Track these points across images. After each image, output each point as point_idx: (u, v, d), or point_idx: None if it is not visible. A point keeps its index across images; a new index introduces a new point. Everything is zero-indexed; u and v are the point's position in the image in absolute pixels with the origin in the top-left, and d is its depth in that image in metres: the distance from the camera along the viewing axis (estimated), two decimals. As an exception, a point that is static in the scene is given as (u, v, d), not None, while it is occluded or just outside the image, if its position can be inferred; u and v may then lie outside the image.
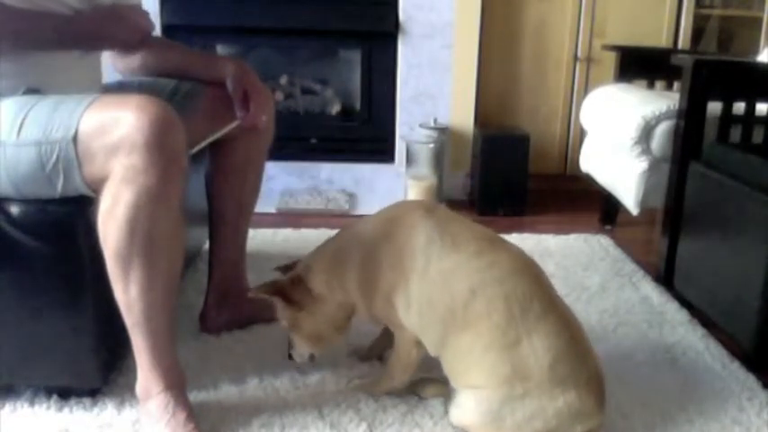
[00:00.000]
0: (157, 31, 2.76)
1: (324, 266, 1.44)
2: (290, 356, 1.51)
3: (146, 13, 1.51)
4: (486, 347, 1.26)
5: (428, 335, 1.35)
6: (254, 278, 1.92)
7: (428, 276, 1.30)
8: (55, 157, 1.23)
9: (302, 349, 1.49)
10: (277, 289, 1.43)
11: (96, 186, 1.24)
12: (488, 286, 1.27)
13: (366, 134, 3.14)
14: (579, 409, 1.24)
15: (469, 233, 1.35)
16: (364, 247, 1.39)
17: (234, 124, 1.60)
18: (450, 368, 1.35)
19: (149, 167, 1.19)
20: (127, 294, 1.26)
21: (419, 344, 1.38)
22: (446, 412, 1.41)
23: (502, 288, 1.26)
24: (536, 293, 1.28)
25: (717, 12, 3.51)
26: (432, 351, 1.36)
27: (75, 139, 1.21)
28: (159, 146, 1.19)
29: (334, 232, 2.50)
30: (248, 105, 1.58)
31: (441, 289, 1.29)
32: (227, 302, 1.76)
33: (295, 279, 1.44)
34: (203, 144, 1.58)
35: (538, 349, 1.24)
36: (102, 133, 1.20)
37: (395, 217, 1.39)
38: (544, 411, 1.23)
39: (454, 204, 2.93)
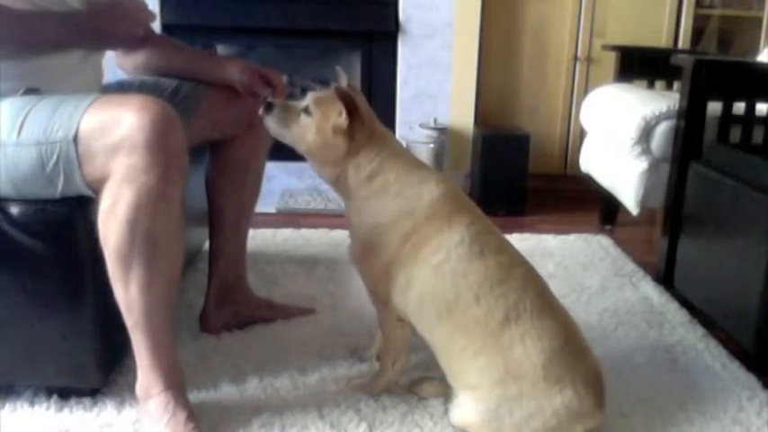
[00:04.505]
0: (157, 31, 2.76)
1: (382, 151, 1.36)
2: (266, 110, 1.41)
3: (145, 6, 1.50)
4: (477, 352, 1.28)
5: (420, 321, 1.36)
6: (255, 278, 1.92)
7: (440, 271, 1.30)
8: (55, 157, 1.22)
9: (277, 125, 1.40)
10: (348, 99, 1.32)
11: (97, 186, 1.24)
12: (493, 297, 1.28)
13: (366, 134, 3.14)
14: (578, 408, 1.24)
15: (497, 247, 1.35)
16: (407, 201, 1.34)
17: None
18: (446, 367, 1.36)
19: (150, 167, 1.19)
20: (127, 294, 1.26)
21: (402, 322, 1.40)
22: (446, 412, 1.41)
23: (506, 300, 1.28)
24: (534, 303, 1.29)
25: (717, 12, 3.51)
26: (419, 332, 1.38)
27: (75, 139, 1.21)
28: (160, 146, 1.19)
29: (334, 232, 2.54)
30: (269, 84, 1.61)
31: (448, 286, 1.30)
32: (227, 302, 1.76)
33: (365, 119, 1.35)
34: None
35: (531, 350, 1.25)
36: (103, 133, 1.20)
37: (444, 205, 1.34)
38: (542, 411, 1.23)
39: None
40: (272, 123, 1.40)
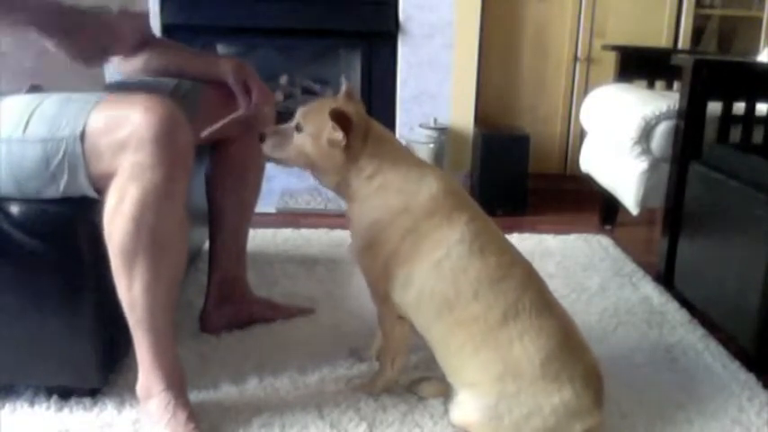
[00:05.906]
0: (157, 31, 2.76)
1: (381, 152, 1.37)
2: (262, 139, 1.43)
3: (140, 19, 1.46)
4: (477, 349, 1.29)
5: (419, 317, 1.37)
6: (255, 278, 1.92)
7: (441, 268, 1.31)
8: (61, 154, 1.23)
9: (274, 150, 1.42)
10: (341, 118, 1.32)
11: (100, 185, 1.24)
12: (493, 295, 1.29)
13: (366, 134, 3.14)
14: (576, 405, 1.24)
15: (498, 247, 1.35)
16: (405, 197, 1.35)
17: (237, 114, 1.58)
18: (444, 363, 1.37)
19: (156, 165, 1.19)
20: (131, 291, 1.26)
21: (402, 320, 1.40)
22: (446, 412, 1.41)
23: (505, 298, 1.28)
24: (534, 302, 1.29)
25: (717, 12, 3.51)
26: (418, 330, 1.39)
27: (82, 136, 1.22)
28: (167, 143, 1.19)
29: (334, 232, 2.54)
30: (250, 96, 1.60)
31: (447, 283, 1.30)
32: (227, 302, 1.76)
33: (365, 128, 1.36)
34: (211, 130, 1.56)
35: (530, 349, 1.25)
36: (110, 131, 1.21)
37: (443, 202, 1.35)
38: (541, 409, 1.24)
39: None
40: (269, 151, 1.44)
